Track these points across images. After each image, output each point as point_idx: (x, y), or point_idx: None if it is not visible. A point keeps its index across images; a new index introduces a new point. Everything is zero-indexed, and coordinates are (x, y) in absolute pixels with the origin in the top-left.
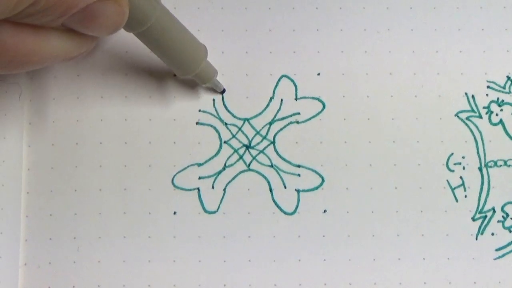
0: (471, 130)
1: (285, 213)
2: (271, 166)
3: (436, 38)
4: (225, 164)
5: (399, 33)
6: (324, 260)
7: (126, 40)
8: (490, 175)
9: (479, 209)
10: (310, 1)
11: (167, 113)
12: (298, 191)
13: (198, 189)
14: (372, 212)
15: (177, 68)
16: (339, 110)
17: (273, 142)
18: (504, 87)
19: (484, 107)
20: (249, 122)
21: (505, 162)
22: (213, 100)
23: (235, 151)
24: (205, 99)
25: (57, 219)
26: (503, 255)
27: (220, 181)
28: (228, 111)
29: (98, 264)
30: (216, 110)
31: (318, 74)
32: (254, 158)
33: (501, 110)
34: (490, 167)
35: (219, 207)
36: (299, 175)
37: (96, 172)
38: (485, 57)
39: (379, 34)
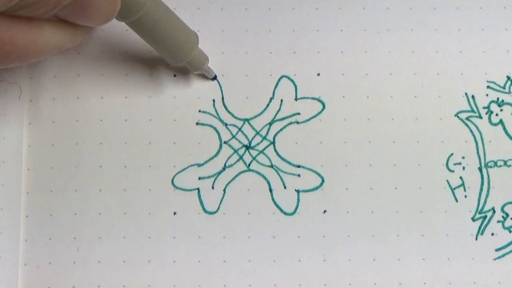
0: (471, 130)
1: (285, 213)
2: (271, 166)
3: (436, 38)
4: (225, 165)
5: (399, 33)
6: (324, 260)
7: (126, 40)
8: (490, 175)
9: (479, 209)
10: (310, 1)
11: (167, 114)
12: (298, 191)
13: (198, 189)
14: (372, 212)
15: (169, 56)
16: (339, 110)
17: (273, 143)
18: (504, 87)
19: (484, 107)
20: (249, 123)
21: (505, 162)
22: (213, 100)
23: (235, 151)
24: (205, 99)
25: (57, 219)
26: (503, 255)
27: (220, 181)
28: (228, 111)
29: (98, 264)
30: (216, 111)
31: (318, 74)
32: (254, 158)
33: (501, 110)
34: (490, 167)
35: (219, 207)
36: (299, 175)
37: (96, 172)
38: (485, 57)
39: (379, 34)
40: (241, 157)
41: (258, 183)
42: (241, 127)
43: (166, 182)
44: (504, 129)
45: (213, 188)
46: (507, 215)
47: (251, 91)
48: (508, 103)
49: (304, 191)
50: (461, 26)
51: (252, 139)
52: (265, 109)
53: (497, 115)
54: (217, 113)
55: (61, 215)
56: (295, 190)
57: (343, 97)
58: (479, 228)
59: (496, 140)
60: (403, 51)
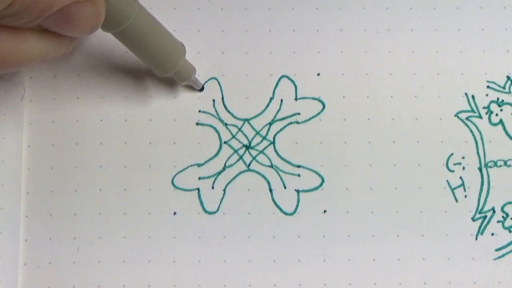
0: (471, 130)
1: (285, 213)
2: (271, 166)
3: (436, 38)
4: (225, 165)
5: (399, 33)
6: (324, 260)
7: None
8: (490, 175)
9: (479, 209)
10: (310, 1)
11: (167, 114)
12: (298, 191)
13: (198, 189)
14: (372, 212)
15: (156, 66)
16: (339, 110)
17: (273, 143)
18: (504, 87)
19: (484, 107)
20: (249, 123)
21: (505, 162)
22: (213, 100)
23: (235, 151)
24: (205, 99)
25: (57, 219)
26: (503, 255)
27: (220, 181)
28: (228, 111)
29: (98, 264)
30: (216, 111)
31: (318, 74)
32: (254, 158)
33: (501, 110)
34: (490, 167)
35: (219, 207)
36: (299, 175)
37: (96, 172)
38: (485, 57)
39: (379, 34)
40: (241, 157)
41: (258, 183)
42: (241, 127)
43: (166, 182)
44: (504, 129)
45: (213, 188)
46: (507, 215)
47: (251, 91)
48: (508, 103)
49: (304, 191)
50: (461, 26)
51: (252, 139)
52: (265, 109)
53: (497, 115)
54: (217, 113)
55: (61, 215)
56: (295, 190)
57: (343, 97)
58: (479, 228)
59: (496, 140)
60: (403, 51)
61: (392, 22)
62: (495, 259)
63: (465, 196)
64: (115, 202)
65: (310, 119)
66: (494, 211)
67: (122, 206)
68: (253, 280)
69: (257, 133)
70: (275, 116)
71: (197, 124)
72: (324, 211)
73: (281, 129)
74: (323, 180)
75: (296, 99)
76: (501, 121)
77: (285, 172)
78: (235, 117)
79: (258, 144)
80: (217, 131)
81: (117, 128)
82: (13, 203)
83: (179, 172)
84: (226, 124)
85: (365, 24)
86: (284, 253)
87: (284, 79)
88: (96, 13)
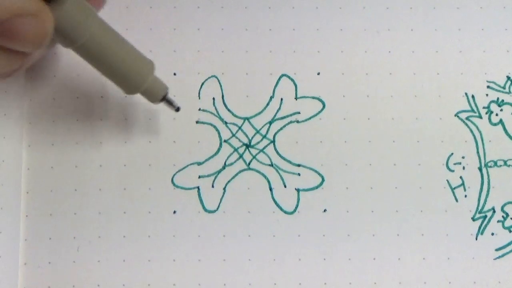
0: (471, 130)
1: (285, 212)
2: (271, 165)
3: (436, 38)
4: (225, 163)
5: (399, 33)
6: (324, 259)
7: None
8: (490, 175)
9: (479, 209)
10: (310, 1)
11: (167, 112)
12: (298, 190)
13: (198, 188)
14: (372, 211)
15: (120, 85)
16: (339, 110)
17: (273, 141)
18: (504, 87)
19: (484, 107)
20: (249, 121)
21: (505, 162)
22: (213, 99)
23: (235, 150)
24: (205, 98)
25: (57, 219)
26: (503, 255)
27: (220, 180)
28: (228, 110)
29: (98, 264)
30: (216, 109)
31: (318, 74)
32: (254, 157)
33: (501, 110)
34: (490, 167)
35: (219, 206)
36: (299, 174)
37: (96, 172)
38: (485, 57)
39: (379, 34)
40: (241, 156)
41: (258, 182)
42: (241, 125)
43: (166, 181)
44: (504, 129)
45: (213, 186)
46: (507, 215)
47: (251, 89)
48: (508, 103)
49: (304, 190)
50: (461, 26)
51: (252, 137)
52: (265, 107)
53: (497, 115)
54: (217, 112)
55: (61, 215)
56: (295, 189)
57: (343, 96)
58: (479, 228)
59: (496, 140)
60: (403, 51)
61: (392, 22)
62: (495, 259)
63: (465, 196)
64: (115, 202)
65: (310, 118)
66: (494, 211)
67: (122, 206)
68: (253, 279)
69: (257, 131)
70: (275, 115)
71: (197, 122)
72: (324, 210)
73: (281, 128)
74: (323, 179)
75: (296, 98)
76: (501, 121)
77: (285, 171)
78: (235, 116)
79: (258, 143)
80: (217, 130)
81: (117, 127)
82: (13, 203)
83: (179, 170)
84: (226, 123)
85: (365, 23)
86: (284, 252)
87: (284, 78)
88: (41, 27)
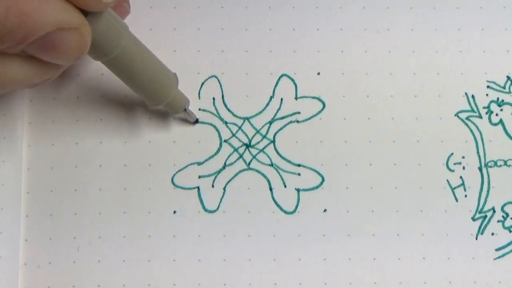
0: (471, 130)
1: (285, 212)
2: (271, 165)
3: (436, 38)
4: (225, 163)
5: (399, 33)
6: (324, 259)
7: None
8: (490, 175)
9: (479, 209)
10: (310, 1)
11: (167, 112)
12: (298, 190)
13: (198, 188)
14: (372, 211)
15: (146, 97)
16: (339, 110)
17: (273, 141)
18: (504, 87)
19: (484, 107)
20: (249, 121)
21: (505, 162)
22: (213, 99)
23: (235, 150)
24: (205, 98)
25: (57, 219)
26: (503, 255)
27: (220, 180)
28: (228, 110)
29: (98, 264)
30: (216, 109)
31: (318, 74)
32: (254, 157)
33: (501, 110)
34: (490, 167)
35: (219, 206)
36: (299, 174)
37: (96, 172)
38: (485, 57)
39: (379, 34)
40: (241, 156)
41: (258, 181)
42: (241, 125)
43: (166, 181)
44: (504, 129)
45: (213, 186)
46: (507, 215)
47: (251, 89)
48: (508, 103)
49: (304, 190)
50: (461, 26)
51: (252, 137)
52: (265, 107)
53: (497, 115)
54: (217, 112)
55: (61, 215)
56: (295, 189)
57: (343, 96)
58: (479, 227)
59: (496, 140)
60: (403, 51)
61: (392, 22)
62: (495, 259)
63: (465, 196)
64: (115, 202)
65: (310, 118)
66: (494, 211)
67: (122, 206)
68: (253, 279)
69: (257, 131)
70: (275, 115)
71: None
72: (324, 210)
73: (281, 128)
74: (323, 179)
75: (296, 98)
76: (501, 121)
77: (285, 171)
78: (235, 116)
79: (258, 142)
80: (217, 130)
81: (117, 127)
82: (13, 203)
83: (179, 170)
84: (226, 123)
85: (365, 23)
86: (284, 252)
87: (284, 78)
88: (81, 41)
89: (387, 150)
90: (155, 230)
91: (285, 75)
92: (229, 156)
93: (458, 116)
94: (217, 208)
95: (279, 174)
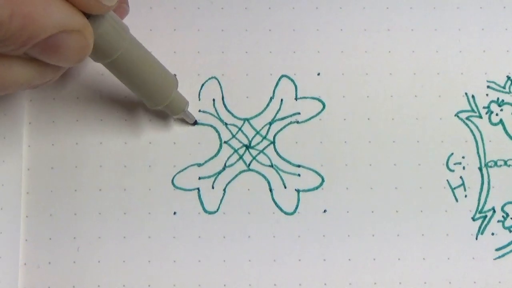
0: (471, 130)
1: (285, 213)
2: (271, 166)
3: (436, 38)
4: (225, 164)
5: (399, 33)
6: (324, 260)
7: None
8: (490, 175)
9: (479, 209)
10: (310, 1)
11: (167, 114)
12: (298, 191)
13: (198, 189)
14: (372, 212)
15: (146, 99)
16: (339, 110)
17: (273, 142)
18: (504, 87)
19: (484, 107)
20: (249, 122)
21: (505, 162)
22: (213, 100)
23: (235, 151)
24: (205, 99)
25: (57, 219)
26: (503, 255)
27: (220, 181)
28: (228, 111)
29: (98, 264)
30: (216, 110)
31: (318, 74)
32: (254, 158)
33: (501, 110)
34: (490, 167)
35: (219, 207)
36: (299, 175)
37: (96, 172)
38: (485, 57)
39: (379, 34)
40: (241, 157)
41: (258, 182)
42: (241, 126)
43: (166, 182)
44: (504, 129)
45: (213, 188)
46: (507, 215)
47: (251, 90)
48: (508, 103)
49: (304, 190)
50: (461, 26)
51: (252, 138)
52: (265, 108)
53: (497, 115)
54: (217, 113)
55: (61, 215)
56: (295, 189)
57: (343, 96)
58: (479, 228)
59: (496, 140)
60: (403, 51)
61: (392, 22)
62: (495, 259)
63: (465, 196)
64: (115, 202)
65: (310, 118)
66: (494, 211)
67: (122, 206)
68: (253, 280)
69: (257, 132)
70: (275, 116)
71: (197, 123)
72: (324, 211)
73: (281, 129)
74: (323, 180)
75: (296, 98)
76: (501, 121)
77: (285, 172)
78: (235, 117)
79: (258, 143)
80: (217, 131)
81: (117, 128)
82: (13, 203)
83: (179, 172)
84: (226, 124)
85: (365, 24)
86: (284, 252)
87: (284, 78)
88: (84, 43)
89: (387, 151)
90: (155, 231)
91: (285, 75)
92: (229, 157)
93: (458, 116)
94: (217, 209)
95: (279, 175)
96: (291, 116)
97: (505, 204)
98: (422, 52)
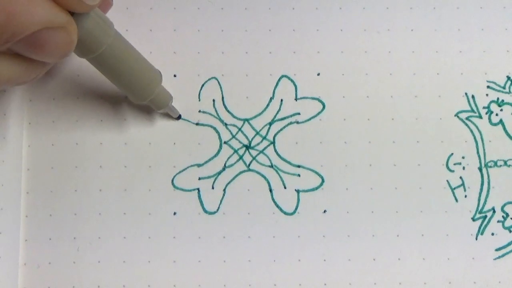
0: (471, 130)
1: (285, 213)
2: (271, 166)
3: (436, 38)
4: (225, 165)
5: (399, 33)
6: (324, 260)
7: None
8: (490, 175)
9: (479, 209)
10: (310, 1)
11: (167, 114)
12: (298, 191)
13: (198, 189)
14: (372, 212)
15: (131, 93)
16: (339, 110)
17: (273, 143)
18: (504, 87)
19: (484, 107)
20: (249, 123)
21: (505, 162)
22: (213, 100)
23: (235, 151)
24: (205, 99)
25: (57, 219)
26: (503, 255)
27: (220, 181)
28: (228, 111)
29: (98, 264)
30: (216, 111)
31: (318, 74)
32: (254, 158)
33: (501, 110)
34: (490, 167)
35: (219, 207)
36: (299, 175)
37: (96, 172)
38: (485, 57)
39: (379, 34)
40: (241, 157)
41: (258, 183)
42: (241, 127)
43: (166, 182)
44: (504, 129)
45: (213, 188)
46: (507, 215)
47: (251, 91)
48: (508, 103)
49: (304, 191)
50: (461, 26)
51: (252, 139)
52: (265, 109)
53: (497, 115)
54: (217, 113)
55: (61, 215)
56: (295, 190)
57: (343, 97)
58: (479, 228)
59: (496, 140)
60: (403, 51)
61: (392, 22)
62: (495, 259)
63: (465, 196)
64: (115, 202)
65: (310, 119)
66: (494, 211)
67: (122, 206)
68: (253, 280)
69: (257, 133)
70: (275, 116)
71: (197, 124)
72: (324, 211)
73: (281, 129)
74: (323, 180)
75: (296, 99)
76: (501, 121)
77: (285, 172)
78: (235, 117)
79: (258, 144)
80: (217, 131)
81: (117, 128)
82: (13, 203)
83: (179, 172)
84: (226, 124)
85: (365, 24)
86: (284, 253)
87: (284, 79)
88: (68, 40)
89: (387, 151)
90: (155, 231)
91: (285, 76)
92: (229, 157)
93: (458, 116)
94: (217, 210)
95: (279, 175)
96: (291, 116)
97: (505, 204)
98: (422, 52)
